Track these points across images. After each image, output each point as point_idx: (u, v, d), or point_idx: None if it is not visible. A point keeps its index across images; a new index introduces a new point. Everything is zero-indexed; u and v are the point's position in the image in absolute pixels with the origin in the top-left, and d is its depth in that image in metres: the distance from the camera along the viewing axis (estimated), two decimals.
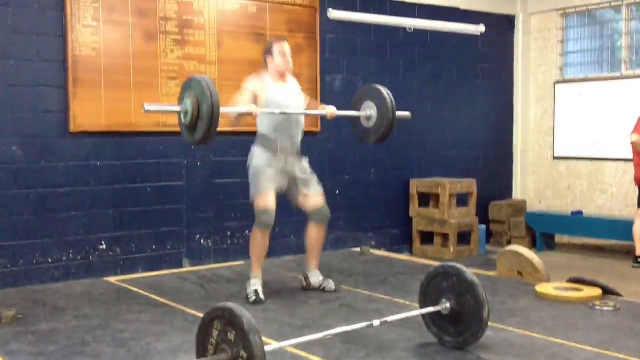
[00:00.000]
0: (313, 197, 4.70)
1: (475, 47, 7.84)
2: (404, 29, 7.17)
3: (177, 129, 5.80)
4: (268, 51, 4.67)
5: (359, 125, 4.61)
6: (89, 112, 5.43)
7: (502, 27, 8.15)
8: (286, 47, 4.64)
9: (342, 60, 6.90)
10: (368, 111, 4.52)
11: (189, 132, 3.80)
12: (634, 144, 6.55)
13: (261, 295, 4.45)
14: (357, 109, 4.58)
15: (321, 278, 4.77)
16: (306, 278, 4.79)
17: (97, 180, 5.53)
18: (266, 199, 4.48)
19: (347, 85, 6.89)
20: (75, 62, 5.35)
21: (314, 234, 4.75)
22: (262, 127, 4.60)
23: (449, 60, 7.70)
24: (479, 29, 7.53)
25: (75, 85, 5.36)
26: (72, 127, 5.37)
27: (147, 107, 3.83)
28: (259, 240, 4.52)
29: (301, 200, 4.70)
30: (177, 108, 3.81)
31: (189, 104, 3.69)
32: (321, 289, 4.72)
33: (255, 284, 4.52)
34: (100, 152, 5.54)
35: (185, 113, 3.72)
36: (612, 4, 7.55)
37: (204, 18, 5.96)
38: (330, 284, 4.73)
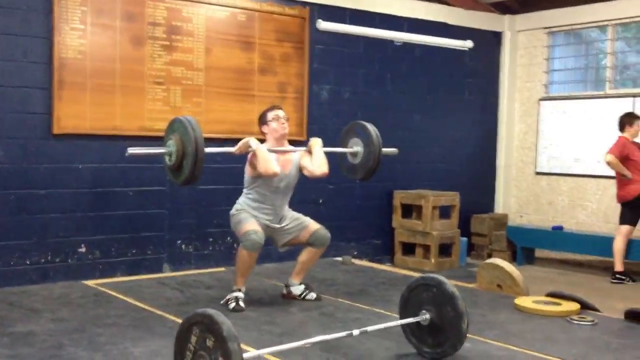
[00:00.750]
0: (306, 229, 4.66)
1: (463, 62, 7.91)
2: (392, 41, 7.22)
3: (162, 134, 5.84)
4: (262, 120, 4.62)
5: (345, 161, 4.62)
6: (73, 114, 5.41)
7: (489, 43, 8.23)
8: (280, 112, 4.60)
9: (330, 71, 6.93)
10: (355, 147, 4.53)
11: (174, 174, 3.77)
12: (608, 164, 6.64)
13: (241, 304, 4.44)
14: (344, 145, 4.59)
15: (302, 287, 4.77)
16: (287, 287, 4.78)
17: (79, 183, 5.50)
18: (253, 224, 4.44)
19: (335, 95, 6.92)
20: (61, 64, 5.33)
21: (311, 255, 4.73)
22: (250, 192, 4.57)
23: (436, 74, 7.75)
24: (467, 44, 7.59)
25: (61, 88, 5.34)
26: (56, 129, 5.34)
27: (131, 151, 3.81)
28: (245, 260, 4.43)
29: (293, 241, 4.69)
30: (161, 150, 3.77)
31: (172, 145, 3.67)
32: (302, 297, 4.71)
33: (237, 293, 4.50)
34: (83, 155, 5.51)
35: (170, 155, 3.70)
36: (598, 23, 7.65)
37: (193, 24, 5.97)
38: (311, 294, 4.73)
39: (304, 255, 4.73)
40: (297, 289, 4.75)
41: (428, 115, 7.72)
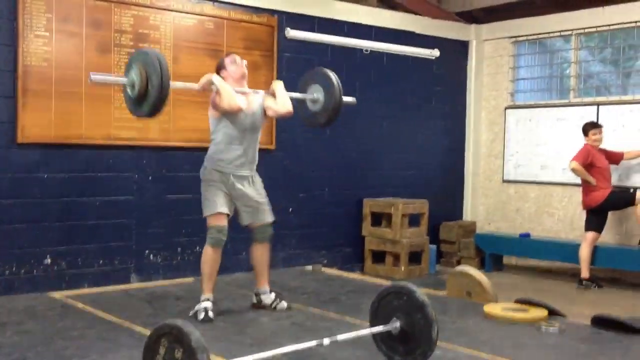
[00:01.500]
0: (260, 215, 4.66)
1: (430, 70, 7.97)
2: (361, 50, 7.24)
3: (129, 143, 5.79)
4: (220, 66, 4.59)
5: (305, 109, 4.64)
6: (38, 123, 5.32)
7: (456, 52, 8.31)
8: (237, 57, 4.59)
9: (299, 79, 6.90)
10: (315, 94, 4.56)
11: (135, 105, 3.75)
12: (573, 171, 6.75)
13: (210, 314, 4.38)
14: (304, 91, 4.61)
15: (273, 296, 4.74)
16: (257, 296, 4.75)
17: (44, 193, 5.40)
18: (219, 218, 4.45)
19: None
20: (26, 72, 5.25)
21: (258, 253, 4.71)
22: (217, 136, 4.54)
23: (404, 82, 7.81)
24: (434, 53, 7.63)
25: (25, 96, 5.25)
26: (20, 138, 5.25)
27: (94, 76, 3.78)
28: (210, 257, 4.46)
29: (249, 220, 4.66)
30: (124, 80, 3.77)
31: (136, 76, 3.64)
32: (272, 308, 4.68)
33: (206, 303, 4.45)
34: (49, 164, 5.42)
35: (132, 85, 3.67)
36: (562, 33, 7.78)
37: (160, 32, 5.92)
38: (282, 304, 4.69)
39: (254, 254, 4.71)
40: (268, 298, 4.71)
41: (396, 123, 7.77)
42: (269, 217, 4.71)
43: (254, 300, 4.75)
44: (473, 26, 8.41)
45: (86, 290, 5.38)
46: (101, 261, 5.68)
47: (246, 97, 4.54)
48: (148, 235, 5.93)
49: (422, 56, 7.64)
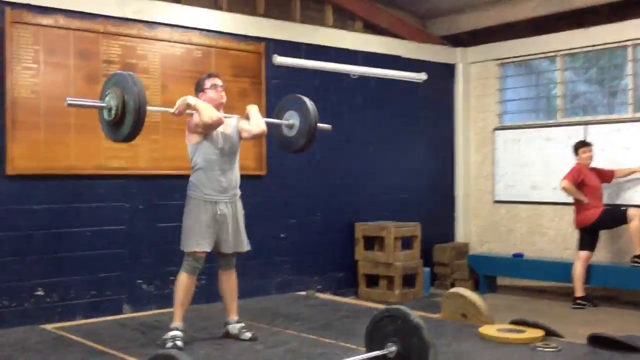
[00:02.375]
0: (238, 244, 4.57)
1: (417, 94, 8.02)
2: (348, 75, 7.30)
3: (119, 172, 5.78)
4: (199, 87, 4.55)
5: (281, 134, 4.67)
6: (27, 154, 5.30)
7: (442, 75, 8.38)
8: (217, 80, 4.56)
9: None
10: (291, 120, 4.58)
11: (112, 130, 3.75)
12: (564, 189, 6.78)
13: (179, 343, 4.26)
14: (280, 117, 4.64)
15: (238, 326, 4.61)
16: (225, 325, 4.67)
17: (34, 224, 5.37)
18: (197, 252, 4.38)
19: None
20: (14, 104, 5.25)
21: (225, 282, 4.61)
22: (197, 162, 4.48)
23: (392, 106, 7.85)
24: (421, 76, 7.71)
25: (14, 128, 5.24)
26: (9, 170, 5.23)
27: (70, 100, 3.78)
28: (184, 284, 4.37)
29: (224, 247, 4.53)
30: (101, 104, 3.76)
31: (113, 100, 3.63)
32: (239, 337, 4.57)
33: (174, 332, 4.33)
34: (38, 196, 5.40)
35: (110, 109, 3.66)
36: (547, 54, 7.87)
37: (148, 61, 5.94)
38: (246, 335, 4.55)
39: (221, 284, 4.62)
40: (234, 328, 4.61)
41: (385, 146, 7.79)
42: (245, 247, 4.64)
43: (223, 330, 4.67)
44: (459, 49, 8.49)
45: (79, 322, 5.31)
46: (93, 292, 5.63)
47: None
48: (140, 265, 5.89)
49: (409, 80, 7.72)
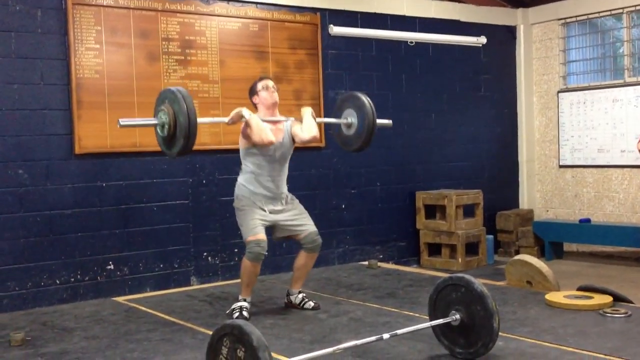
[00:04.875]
0: (304, 228, 4.60)
1: (477, 58, 7.87)
2: (406, 42, 7.20)
3: None
4: (252, 91, 4.58)
5: (340, 132, 4.63)
6: (93, 133, 5.46)
7: (503, 38, 8.17)
8: (269, 82, 4.56)
9: (345, 75, 6.93)
10: (349, 118, 4.53)
11: (167, 145, 3.77)
12: None
13: (245, 314, 4.37)
14: (338, 116, 4.60)
15: (301, 296, 4.69)
16: (288, 295, 4.76)
17: (103, 201, 5.55)
18: (257, 235, 4.40)
19: None
20: (79, 84, 5.39)
21: (304, 262, 4.66)
22: (246, 165, 4.54)
23: (451, 72, 7.72)
24: (481, 40, 7.55)
25: (80, 108, 5.40)
26: (78, 149, 5.40)
27: (122, 122, 3.80)
28: (249, 270, 4.41)
29: (291, 235, 4.61)
30: (153, 121, 3.78)
31: (164, 116, 3.67)
32: (300, 306, 4.66)
33: (242, 303, 4.45)
34: (106, 173, 5.57)
35: (162, 125, 3.70)
36: (612, 12, 7.57)
37: (206, 38, 6.00)
38: (309, 304, 4.64)
39: (299, 261, 4.68)
40: (297, 298, 4.70)
41: (445, 114, 7.69)
42: (312, 227, 4.62)
43: (285, 299, 4.75)
44: (520, 10, 8.25)
45: (148, 294, 5.50)
46: (161, 265, 5.81)
47: (276, 126, 4.53)
48: (205, 238, 6.03)
49: (469, 44, 7.57)
